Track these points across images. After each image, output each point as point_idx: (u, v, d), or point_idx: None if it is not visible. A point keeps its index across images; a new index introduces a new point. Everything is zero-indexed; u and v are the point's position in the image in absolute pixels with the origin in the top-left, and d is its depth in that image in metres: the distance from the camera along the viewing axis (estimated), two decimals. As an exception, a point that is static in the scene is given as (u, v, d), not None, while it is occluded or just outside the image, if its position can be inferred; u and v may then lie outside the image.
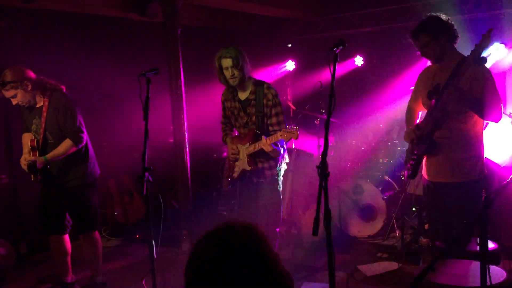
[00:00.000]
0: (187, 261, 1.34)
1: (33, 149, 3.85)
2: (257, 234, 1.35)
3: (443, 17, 3.31)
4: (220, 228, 1.36)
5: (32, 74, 3.82)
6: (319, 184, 2.36)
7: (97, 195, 4.16)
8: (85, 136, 3.94)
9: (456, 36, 3.31)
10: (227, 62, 3.68)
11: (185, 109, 5.44)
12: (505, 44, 5.68)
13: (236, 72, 3.69)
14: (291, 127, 3.51)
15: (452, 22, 3.31)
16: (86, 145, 4.05)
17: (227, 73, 3.73)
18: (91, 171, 4.06)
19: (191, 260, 1.33)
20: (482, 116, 3.23)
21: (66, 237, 4.11)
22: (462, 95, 3.11)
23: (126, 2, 5.37)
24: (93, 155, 4.14)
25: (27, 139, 3.93)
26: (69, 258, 4.16)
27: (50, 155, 3.81)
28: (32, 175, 3.82)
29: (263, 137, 3.67)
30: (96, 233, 4.17)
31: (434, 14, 3.36)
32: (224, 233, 1.34)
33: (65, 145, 3.85)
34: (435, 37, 3.25)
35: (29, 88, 3.77)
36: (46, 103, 3.86)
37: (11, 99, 3.80)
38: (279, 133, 3.55)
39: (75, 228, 4.10)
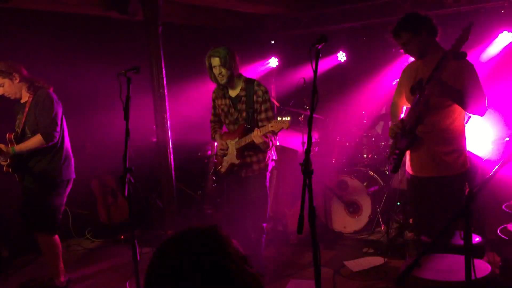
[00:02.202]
0: (148, 266, 1.31)
1: (10, 141, 3.96)
2: (220, 235, 1.33)
3: (421, 13, 3.33)
4: (182, 231, 1.34)
5: (23, 70, 3.99)
6: (303, 181, 2.35)
7: (63, 197, 4.09)
8: (57, 134, 3.95)
9: (437, 31, 3.33)
10: (215, 61, 3.83)
11: (167, 107, 5.39)
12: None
13: (223, 71, 3.82)
14: (282, 118, 3.56)
15: (431, 17, 3.32)
16: (62, 145, 4.05)
17: (215, 71, 3.86)
18: (61, 171, 4.03)
19: (152, 264, 1.31)
20: (466, 109, 3.24)
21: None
22: (444, 87, 3.12)
23: (106, 1, 5.29)
24: (68, 157, 4.12)
25: None
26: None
27: (18, 146, 3.91)
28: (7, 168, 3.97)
29: (256, 129, 3.75)
30: (55, 237, 4.11)
31: (412, 11, 3.37)
32: (186, 236, 1.33)
33: (35, 140, 3.91)
34: (416, 33, 3.26)
35: (17, 80, 3.93)
36: (30, 99, 3.98)
37: None
38: (269, 124, 3.65)
39: (32, 226, 4.08)
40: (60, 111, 4.02)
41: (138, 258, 3.07)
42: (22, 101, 4.03)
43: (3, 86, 3.92)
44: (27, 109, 3.96)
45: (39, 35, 5.37)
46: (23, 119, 3.96)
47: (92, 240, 5.70)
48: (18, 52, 5.08)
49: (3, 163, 3.98)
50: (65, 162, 4.07)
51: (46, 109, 3.92)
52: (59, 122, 3.98)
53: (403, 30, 3.29)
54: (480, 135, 4.89)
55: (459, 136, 3.36)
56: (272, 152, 4.11)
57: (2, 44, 5.00)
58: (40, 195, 3.99)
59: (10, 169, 3.98)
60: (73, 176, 4.16)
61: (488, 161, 4.62)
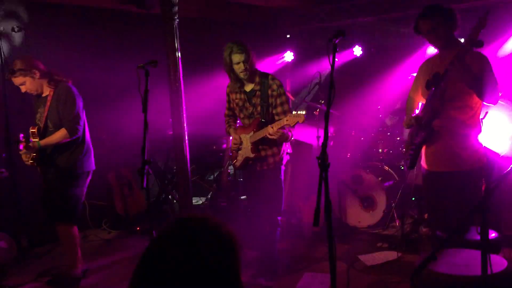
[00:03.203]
0: (139, 260, 1.34)
1: (33, 135, 4.03)
2: (211, 224, 1.35)
3: (445, 5, 3.32)
4: (173, 222, 1.37)
5: (41, 65, 4.05)
6: (319, 175, 2.36)
7: (83, 189, 4.18)
8: (81, 128, 4.04)
9: (457, 26, 3.32)
10: (238, 57, 3.82)
11: (183, 101, 5.42)
12: None
13: (247, 66, 3.83)
14: (297, 112, 3.58)
15: (455, 11, 3.31)
16: (84, 138, 4.14)
17: (238, 67, 3.85)
18: (82, 163, 4.12)
19: (145, 256, 1.34)
20: (481, 96, 3.22)
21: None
22: (465, 68, 3.10)
23: (124, -6, 5.34)
24: (89, 149, 4.20)
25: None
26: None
27: (43, 141, 3.99)
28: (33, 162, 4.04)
29: (269, 125, 3.76)
30: (74, 228, 4.20)
31: (436, 4, 3.36)
32: (177, 227, 1.35)
33: (60, 134, 4.00)
34: (443, 21, 3.26)
35: (37, 76, 4.00)
36: (52, 93, 4.05)
37: (20, 87, 4.03)
38: (284, 118, 3.64)
39: (52, 216, 4.16)
40: (81, 104, 4.11)
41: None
42: (44, 95, 4.10)
43: (25, 84, 3.99)
44: (48, 103, 4.03)
45: (57, 28, 5.44)
46: (45, 113, 4.03)
47: (109, 231, 5.78)
48: (38, 45, 5.16)
49: (26, 158, 4.04)
50: (86, 154, 4.15)
51: (69, 103, 4.00)
52: (83, 117, 4.07)
53: (432, 15, 3.28)
54: (497, 131, 4.84)
55: (476, 131, 3.35)
56: (287, 146, 4.13)
57: (23, 38, 5.08)
58: (62, 186, 4.08)
59: (34, 163, 4.05)
60: (93, 167, 4.25)
61: (505, 157, 4.58)
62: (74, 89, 4.10)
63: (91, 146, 4.24)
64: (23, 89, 4.04)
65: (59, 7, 5.41)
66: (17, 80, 3.98)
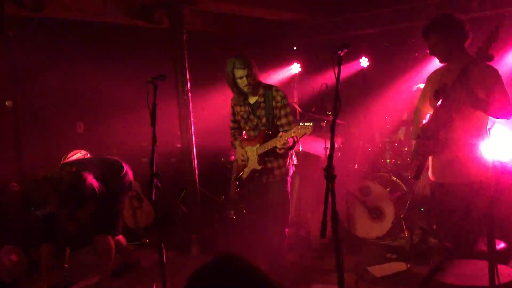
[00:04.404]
0: None
1: None
2: (250, 265, 1.36)
3: (455, 15, 3.30)
4: (212, 262, 1.37)
5: None
6: (326, 186, 2.38)
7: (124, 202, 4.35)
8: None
9: (468, 36, 3.30)
10: (241, 72, 3.85)
11: (191, 114, 5.48)
12: None
13: (250, 81, 3.86)
14: (304, 123, 3.59)
15: (464, 22, 3.29)
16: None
17: (241, 82, 3.88)
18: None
19: None
20: (489, 114, 3.22)
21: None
22: (469, 94, 3.11)
23: (133, 10, 5.43)
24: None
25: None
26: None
27: None
28: None
29: (276, 138, 3.75)
30: (109, 238, 4.25)
31: (446, 12, 3.35)
32: (218, 266, 1.36)
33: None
34: (446, 36, 3.24)
35: None
36: None
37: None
38: (292, 130, 3.63)
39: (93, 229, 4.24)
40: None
41: (165, 261, 3.13)
42: None
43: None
44: None
45: (68, 43, 5.53)
46: None
47: (118, 243, 5.80)
48: (51, 60, 5.25)
49: None
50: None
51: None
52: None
53: (434, 30, 3.27)
54: (505, 141, 4.82)
55: (483, 142, 3.34)
56: (293, 157, 4.13)
57: (34, 53, 5.17)
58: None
59: None
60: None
61: (513, 167, 4.56)
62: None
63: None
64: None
65: (70, 23, 5.50)
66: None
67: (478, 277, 2.51)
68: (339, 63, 2.51)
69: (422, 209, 5.43)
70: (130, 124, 5.72)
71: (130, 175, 4.42)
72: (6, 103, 3.91)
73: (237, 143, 4.20)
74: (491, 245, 2.02)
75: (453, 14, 3.31)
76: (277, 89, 3.98)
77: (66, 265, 4.61)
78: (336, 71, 2.49)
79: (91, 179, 3.98)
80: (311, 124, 3.61)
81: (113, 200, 4.23)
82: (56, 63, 5.23)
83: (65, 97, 5.41)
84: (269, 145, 3.85)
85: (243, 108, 4.08)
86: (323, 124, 5.78)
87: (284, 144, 3.73)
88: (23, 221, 5.13)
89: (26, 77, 4.56)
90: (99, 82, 5.55)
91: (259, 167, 3.98)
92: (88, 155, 4.55)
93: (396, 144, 5.75)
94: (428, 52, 3.42)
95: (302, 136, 3.64)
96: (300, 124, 3.67)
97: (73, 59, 5.45)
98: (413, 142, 3.63)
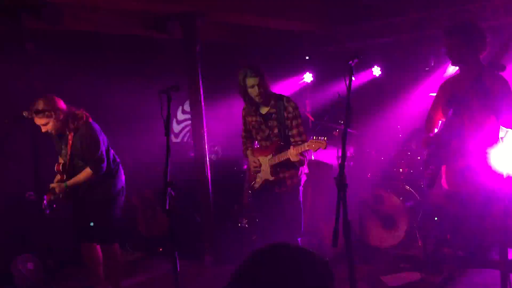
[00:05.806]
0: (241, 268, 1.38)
1: (59, 173, 4.11)
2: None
3: (482, 27, 3.32)
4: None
5: (62, 104, 3.98)
6: (337, 195, 2.39)
7: (120, 207, 4.26)
8: (105, 165, 4.05)
9: (485, 49, 3.32)
10: (253, 81, 3.87)
11: (205, 123, 5.53)
12: None
13: (262, 90, 3.88)
14: (318, 138, 3.60)
15: (486, 34, 3.31)
16: (114, 161, 4.21)
17: (253, 91, 3.90)
18: (115, 184, 4.20)
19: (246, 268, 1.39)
20: (503, 124, 3.22)
21: (97, 246, 4.24)
22: (481, 101, 3.11)
23: (146, 20, 5.52)
24: (118, 168, 4.27)
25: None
26: (100, 268, 4.27)
27: (70, 181, 4.04)
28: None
29: (291, 146, 3.78)
30: (116, 246, 4.27)
31: (475, 22, 3.37)
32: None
33: (85, 174, 4.03)
34: (466, 41, 3.27)
35: (60, 117, 3.92)
36: (72, 134, 4.01)
37: (42, 126, 3.96)
38: (306, 144, 3.66)
39: (96, 239, 4.22)
40: (105, 140, 4.12)
41: (178, 270, 3.16)
42: (65, 133, 4.05)
43: (47, 125, 3.92)
44: (70, 141, 4.00)
45: (84, 55, 5.62)
46: (69, 151, 4.02)
47: (132, 252, 5.86)
48: (63, 72, 5.34)
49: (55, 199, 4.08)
50: (116, 174, 4.22)
51: (92, 146, 3.97)
52: (105, 155, 4.05)
53: (459, 31, 3.29)
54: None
55: (494, 151, 3.33)
56: (305, 167, 4.13)
57: (51, 65, 5.27)
58: (108, 208, 4.16)
59: (67, 200, 4.12)
60: (123, 183, 4.32)
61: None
62: (95, 126, 4.08)
63: (118, 163, 4.29)
64: (43, 129, 3.96)
65: (83, 34, 5.59)
66: (40, 121, 3.90)
67: (490, 286, 2.50)
68: (350, 73, 2.54)
69: (435, 218, 5.39)
70: (144, 134, 5.79)
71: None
72: (24, 114, 3.97)
73: (249, 152, 4.23)
74: (504, 254, 2.02)
75: (480, 26, 3.34)
76: (288, 99, 4.00)
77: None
78: (348, 81, 2.52)
79: None
80: (325, 138, 3.61)
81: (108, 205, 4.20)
82: (73, 74, 5.32)
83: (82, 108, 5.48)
84: (282, 156, 3.87)
85: (254, 118, 4.11)
86: (336, 133, 5.79)
87: (300, 161, 3.78)
88: (40, 230, 5.21)
89: (43, 89, 4.62)
90: (113, 92, 5.63)
91: (271, 178, 4.00)
92: None
93: (409, 153, 5.74)
94: (443, 50, 3.42)
95: (316, 150, 3.67)
96: (314, 137, 3.67)
97: (89, 70, 5.54)
98: (426, 150, 3.63)
